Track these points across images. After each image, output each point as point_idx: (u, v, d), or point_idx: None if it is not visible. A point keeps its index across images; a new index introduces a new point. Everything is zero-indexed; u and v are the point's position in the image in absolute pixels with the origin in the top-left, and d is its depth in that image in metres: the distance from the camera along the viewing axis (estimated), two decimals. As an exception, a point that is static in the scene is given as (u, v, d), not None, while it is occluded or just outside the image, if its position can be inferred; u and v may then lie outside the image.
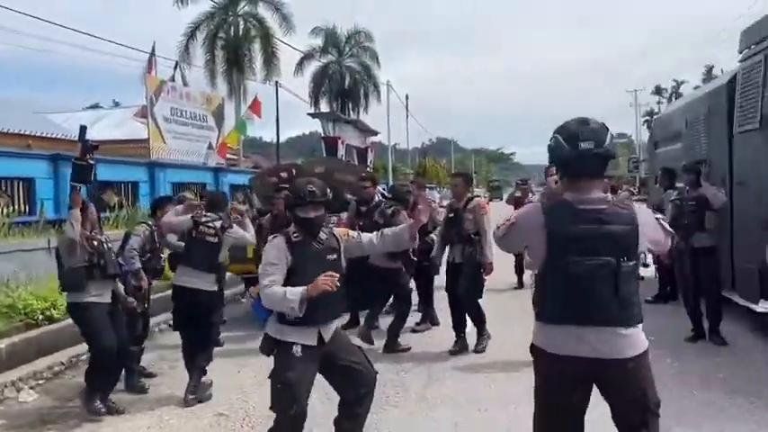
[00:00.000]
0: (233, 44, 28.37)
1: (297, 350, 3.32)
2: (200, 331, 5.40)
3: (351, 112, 38.24)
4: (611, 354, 2.51)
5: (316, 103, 39.09)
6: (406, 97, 47.76)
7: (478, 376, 5.52)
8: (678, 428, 4.04)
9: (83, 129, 5.06)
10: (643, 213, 2.65)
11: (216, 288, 5.55)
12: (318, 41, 39.04)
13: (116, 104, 47.95)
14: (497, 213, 4.26)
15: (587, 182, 2.61)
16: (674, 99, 72.29)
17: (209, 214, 5.57)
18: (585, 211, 2.56)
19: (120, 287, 5.22)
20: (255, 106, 20.19)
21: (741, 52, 6.81)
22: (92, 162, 4.88)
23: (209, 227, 5.48)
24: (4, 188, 12.00)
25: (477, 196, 6.72)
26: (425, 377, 5.57)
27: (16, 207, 11.87)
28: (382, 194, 9.02)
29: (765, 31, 6.19)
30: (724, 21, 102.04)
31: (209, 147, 20.21)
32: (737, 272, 6.63)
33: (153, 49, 20.29)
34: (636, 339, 2.55)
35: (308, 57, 38.47)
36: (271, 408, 3.41)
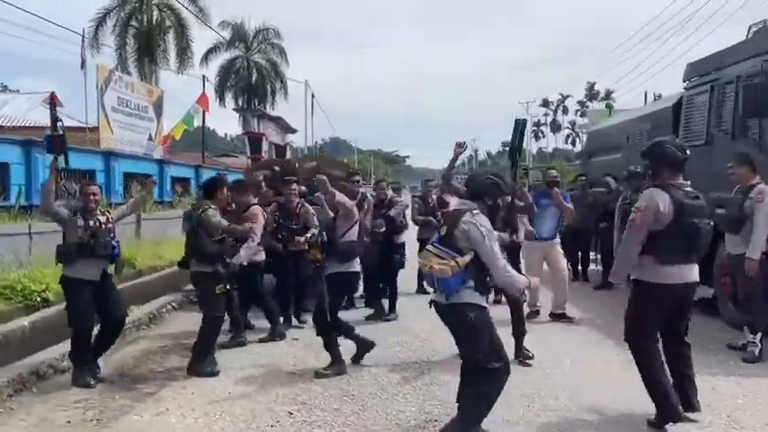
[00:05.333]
0: (146, 33, 27.71)
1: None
2: None
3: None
4: (696, 278, 4.14)
5: (221, 97, 38.66)
6: (312, 96, 48.25)
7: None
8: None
9: (53, 96, 5.53)
10: None
11: None
12: (226, 35, 38.66)
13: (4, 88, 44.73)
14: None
15: (679, 174, 4.09)
16: (560, 111, 78.74)
17: None
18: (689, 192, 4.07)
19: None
20: (203, 99, 20.08)
21: (685, 80, 8.29)
22: (62, 132, 5.36)
23: None
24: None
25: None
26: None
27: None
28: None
29: (711, 67, 7.62)
30: (600, 38, 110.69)
31: (150, 138, 19.82)
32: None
33: (84, 35, 19.62)
34: None
35: (213, 50, 38.04)
36: None
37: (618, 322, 4.66)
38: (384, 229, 7.65)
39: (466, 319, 3.82)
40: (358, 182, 7.91)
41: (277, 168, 9.47)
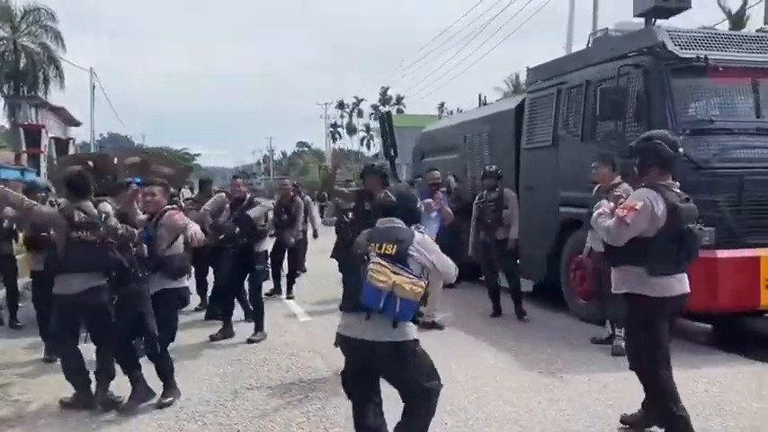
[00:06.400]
0: None
1: None
2: None
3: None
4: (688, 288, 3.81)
5: (-20, 82, 33.34)
6: (93, 87, 43.61)
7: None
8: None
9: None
10: None
11: None
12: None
13: None
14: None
15: (669, 174, 3.76)
16: (354, 114, 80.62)
17: None
18: (681, 194, 3.72)
19: None
20: None
21: (528, 84, 8.59)
22: None
23: None
24: None
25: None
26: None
27: None
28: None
29: (557, 71, 7.96)
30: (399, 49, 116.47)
31: None
32: (524, 258, 8.20)
33: None
34: None
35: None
36: None
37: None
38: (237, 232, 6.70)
39: (413, 355, 3.26)
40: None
41: (91, 164, 8.05)
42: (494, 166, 7.78)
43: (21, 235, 7.79)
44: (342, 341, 3.34)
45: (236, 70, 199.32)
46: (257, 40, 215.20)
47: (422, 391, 3.26)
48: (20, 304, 7.82)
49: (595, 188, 6.20)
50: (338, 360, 5.78)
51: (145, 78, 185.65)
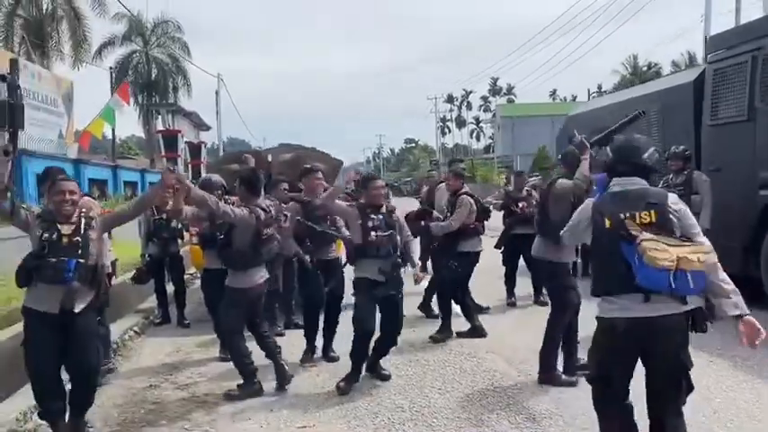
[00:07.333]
0: (36, 23, 24.74)
1: None
2: None
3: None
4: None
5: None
6: (216, 93, 45.66)
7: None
8: None
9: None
10: None
11: None
12: (121, 28, 35.77)
13: None
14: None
15: None
16: (464, 107, 79.57)
17: None
18: None
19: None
20: (123, 91, 17.67)
21: (711, 53, 7.70)
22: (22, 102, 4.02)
23: None
24: None
25: None
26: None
27: None
28: None
29: (751, 36, 7.01)
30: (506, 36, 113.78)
31: (60, 135, 17.22)
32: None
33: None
34: None
35: (108, 44, 35.13)
36: None
37: None
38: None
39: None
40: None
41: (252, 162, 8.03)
42: (681, 147, 6.94)
43: (186, 234, 7.95)
44: (617, 324, 2.93)
45: (347, 70, 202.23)
46: (366, 38, 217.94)
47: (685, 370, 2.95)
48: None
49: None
50: (522, 363, 5.39)
51: (260, 81, 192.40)
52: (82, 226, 3.92)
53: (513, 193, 8.22)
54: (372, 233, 4.86)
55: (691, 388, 2.95)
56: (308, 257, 5.70)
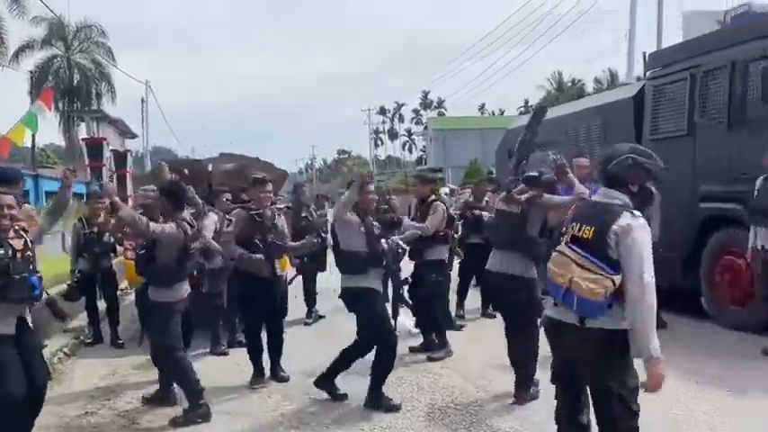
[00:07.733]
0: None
1: None
2: None
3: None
4: None
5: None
6: (142, 101, 44.07)
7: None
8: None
9: None
10: None
11: None
12: (40, 31, 34.14)
13: None
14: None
15: None
16: (396, 120, 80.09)
17: None
18: None
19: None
20: (46, 96, 16.49)
21: (649, 71, 7.93)
22: None
23: None
24: None
25: None
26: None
27: None
28: None
29: (687, 54, 7.26)
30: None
31: None
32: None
33: None
34: None
35: (26, 47, 33.50)
36: None
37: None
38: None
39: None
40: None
41: (186, 171, 7.66)
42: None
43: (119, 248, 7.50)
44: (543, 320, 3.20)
45: (280, 79, 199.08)
46: (292, 49, 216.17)
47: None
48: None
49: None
50: (479, 378, 5.29)
51: (191, 90, 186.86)
52: (29, 240, 3.69)
53: (473, 202, 8.09)
54: (382, 241, 4.69)
55: (630, 414, 2.86)
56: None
